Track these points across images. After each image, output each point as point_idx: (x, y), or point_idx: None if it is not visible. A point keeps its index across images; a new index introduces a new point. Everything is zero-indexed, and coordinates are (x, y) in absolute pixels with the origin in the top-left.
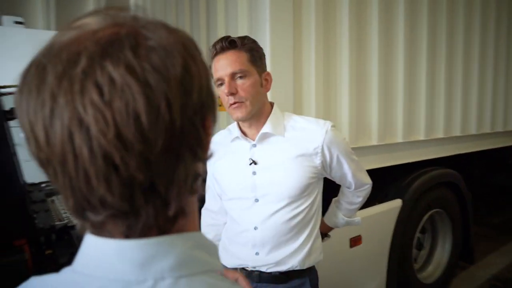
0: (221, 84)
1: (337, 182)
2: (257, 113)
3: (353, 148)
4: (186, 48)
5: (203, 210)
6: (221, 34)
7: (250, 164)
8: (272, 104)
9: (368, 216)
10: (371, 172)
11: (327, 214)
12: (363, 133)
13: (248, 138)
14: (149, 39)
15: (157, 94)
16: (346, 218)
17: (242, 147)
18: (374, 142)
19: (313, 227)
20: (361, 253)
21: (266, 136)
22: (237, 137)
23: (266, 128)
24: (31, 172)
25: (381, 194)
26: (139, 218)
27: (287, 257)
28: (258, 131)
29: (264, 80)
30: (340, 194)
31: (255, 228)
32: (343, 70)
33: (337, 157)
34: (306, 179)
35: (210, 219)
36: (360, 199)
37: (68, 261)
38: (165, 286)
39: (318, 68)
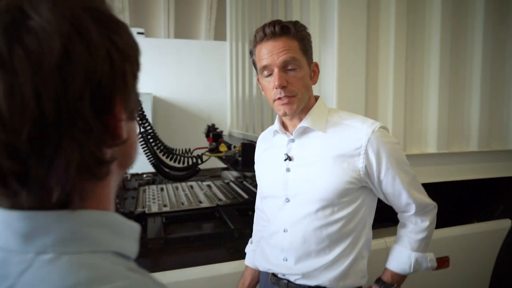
0: (268, 75)
1: (390, 203)
2: (304, 107)
3: (446, 155)
4: (76, 27)
5: (256, 209)
6: None
7: (285, 160)
8: (316, 98)
9: (462, 235)
10: (469, 184)
11: (389, 258)
12: (460, 138)
13: (287, 132)
14: (30, 18)
15: (22, 82)
16: (414, 254)
17: (280, 142)
18: (472, 148)
19: (352, 243)
20: (447, 278)
21: (305, 131)
22: (276, 131)
23: (306, 122)
24: (137, 163)
25: (484, 210)
26: (20, 199)
27: (317, 270)
28: (299, 124)
29: (312, 71)
30: (398, 228)
31: (285, 231)
32: (431, 69)
33: (386, 165)
34: (343, 183)
35: (259, 219)
36: (426, 223)
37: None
38: (44, 260)
39: (398, 66)
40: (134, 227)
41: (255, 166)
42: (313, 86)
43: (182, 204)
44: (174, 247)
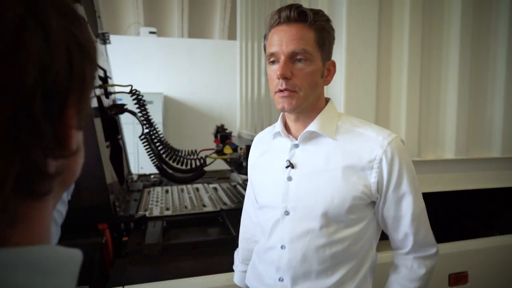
0: (274, 62)
1: (388, 232)
2: (308, 108)
3: (465, 161)
4: (32, 10)
5: (243, 214)
6: None
7: (287, 167)
8: (327, 100)
9: (481, 248)
10: (491, 192)
11: None
12: (481, 142)
13: (290, 136)
14: None
15: None
16: None
17: (282, 146)
18: (495, 153)
19: (357, 266)
20: None
21: (312, 136)
22: (278, 133)
23: (314, 126)
24: (146, 164)
25: (507, 222)
26: None
27: None
28: (304, 128)
29: (326, 70)
30: (390, 272)
31: (282, 247)
32: (449, 69)
33: (397, 182)
34: (351, 198)
35: (249, 226)
36: (423, 270)
37: (134, 250)
38: None
39: (413, 64)
40: (73, 259)
41: (249, 170)
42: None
43: (185, 207)
44: (172, 254)
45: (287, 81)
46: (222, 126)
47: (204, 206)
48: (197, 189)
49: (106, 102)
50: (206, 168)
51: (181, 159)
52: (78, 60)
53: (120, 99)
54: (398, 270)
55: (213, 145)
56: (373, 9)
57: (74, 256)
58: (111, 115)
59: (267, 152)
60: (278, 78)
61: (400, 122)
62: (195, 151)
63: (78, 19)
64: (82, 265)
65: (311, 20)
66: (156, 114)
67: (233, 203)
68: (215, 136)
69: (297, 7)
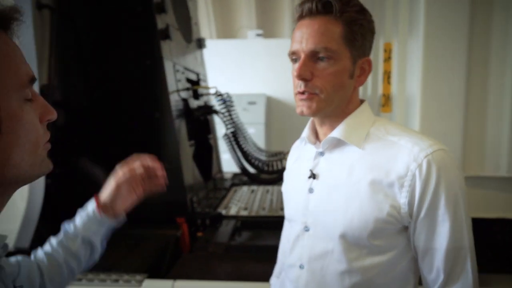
0: (296, 61)
1: (418, 262)
2: (337, 113)
3: None
4: None
5: (284, 224)
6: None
7: (309, 177)
8: (360, 103)
9: None
10: None
11: None
12: None
13: (317, 142)
14: None
15: None
16: None
17: (309, 153)
18: None
19: None
20: None
21: (338, 143)
22: (306, 138)
23: (338, 132)
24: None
25: None
26: None
27: None
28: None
29: (359, 69)
30: None
31: (301, 267)
32: None
33: (431, 205)
34: (374, 220)
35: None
36: None
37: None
38: None
39: None
40: None
41: (285, 175)
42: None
43: (263, 209)
44: (235, 255)
45: (306, 83)
46: None
47: (281, 209)
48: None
49: (196, 103)
50: None
51: (265, 161)
52: None
53: (229, 100)
54: None
55: None
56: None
57: None
58: (198, 116)
59: (298, 159)
60: (298, 79)
61: (501, 128)
62: (282, 152)
63: None
64: (154, 253)
65: (337, 11)
66: (258, 115)
67: None
68: None
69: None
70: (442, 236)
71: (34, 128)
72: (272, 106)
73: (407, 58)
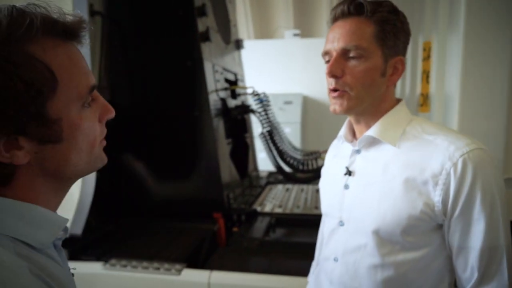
0: (328, 61)
1: (453, 261)
2: (370, 111)
3: None
4: None
5: (322, 219)
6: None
7: (345, 174)
8: (397, 102)
9: None
10: None
11: None
12: None
13: (354, 141)
14: None
15: None
16: None
17: (345, 151)
18: None
19: None
20: None
21: (374, 141)
22: (343, 137)
23: (373, 131)
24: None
25: None
26: None
27: None
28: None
29: (391, 67)
30: None
31: (335, 260)
32: None
33: (465, 204)
34: (407, 217)
35: (322, 236)
36: None
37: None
38: None
39: None
40: (55, 221)
41: (323, 170)
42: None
43: (298, 207)
44: (269, 250)
45: (337, 80)
46: None
47: (316, 208)
48: (317, 191)
49: (234, 103)
50: None
51: (301, 160)
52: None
53: (264, 100)
54: None
55: None
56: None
57: (57, 219)
58: (235, 115)
59: (335, 157)
60: (329, 77)
61: None
62: (317, 151)
63: None
64: (192, 245)
65: (368, 12)
66: (295, 114)
67: None
68: None
69: (353, 0)
70: (477, 235)
71: (91, 131)
72: (308, 106)
73: (447, 56)
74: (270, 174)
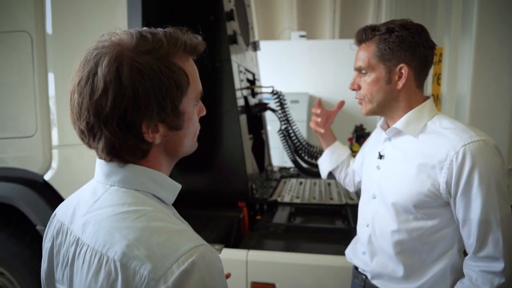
0: None
1: (460, 231)
2: (390, 109)
3: None
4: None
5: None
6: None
7: (378, 157)
8: (424, 100)
9: None
10: None
11: None
12: None
13: (386, 131)
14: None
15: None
16: None
17: (381, 138)
18: None
19: (429, 261)
20: None
21: (400, 132)
22: (381, 126)
23: (398, 123)
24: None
25: None
26: (97, 149)
27: (389, 277)
28: (393, 125)
29: (395, 75)
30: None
31: (367, 225)
32: None
33: (467, 183)
34: (417, 193)
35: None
36: (487, 287)
37: (260, 228)
38: (113, 189)
39: None
40: (175, 186)
41: (364, 147)
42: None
43: (314, 198)
44: (293, 234)
45: (357, 92)
46: (361, 125)
47: (331, 199)
48: (329, 184)
49: (253, 101)
50: None
51: (314, 154)
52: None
53: (270, 98)
54: (463, 280)
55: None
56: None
57: (176, 184)
58: (255, 112)
59: (374, 139)
60: (351, 90)
61: None
62: None
63: None
64: (223, 230)
65: (367, 37)
66: (301, 113)
67: (359, 198)
68: (352, 135)
69: (360, 30)
70: (475, 210)
71: (196, 123)
72: (314, 105)
73: (458, 60)
74: (281, 169)
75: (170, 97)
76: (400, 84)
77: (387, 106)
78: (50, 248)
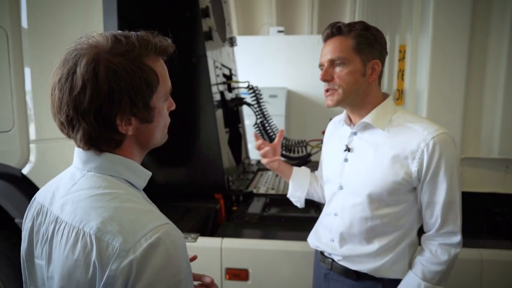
0: (322, 69)
1: (423, 212)
2: (358, 102)
3: None
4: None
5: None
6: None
7: (345, 150)
8: (386, 96)
9: None
10: None
11: (401, 283)
12: None
13: (351, 125)
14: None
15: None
16: (424, 284)
17: (344, 133)
18: None
19: (395, 241)
20: None
21: (367, 126)
22: (343, 121)
23: (368, 117)
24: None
25: None
26: (83, 147)
27: (357, 257)
28: (360, 120)
29: (369, 69)
30: (417, 254)
31: (335, 215)
32: None
33: (434, 172)
34: (392, 182)
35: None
36: (445, 257)
37: (238, 217)
38: (89, 174)
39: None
40: (145, 173)
41: (323, 145)
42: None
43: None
44: (267, 223)
45: (328, 83)
46: None
47: None
48: None
49: (229, 96)
50: (314, 158)
51: (290, 147)
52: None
53: (247, 93)
54: (423, 253)
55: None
56: (466, 1)
57: (146, 172)
58: (231, 106)
59: (333, 135)
60: (322, 81)
61: (494, 118)
62: (304, 141)
63: None
64: (200, 220)
65: (346, 31)
66: (279, 107)
67: None
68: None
69: (335, 25)
70: (441, 193)
71: (166, 117)
72: (292, 99)
73: (418, 57)
74: (259, 162)
75: (142, 94)
76: (372, 78)
77: (357, 99)
78: (31, 228)
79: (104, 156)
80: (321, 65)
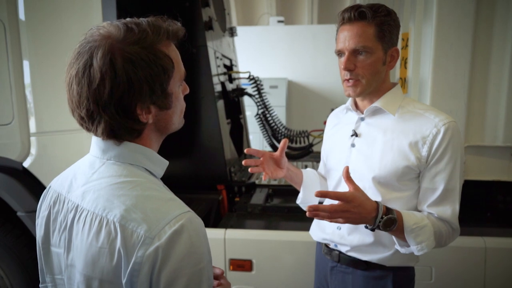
0: (341, 55)
1: (419, 198)
2: (373, 90)
3: None
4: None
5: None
6: None
7: (352, 135)
8: (394, 84)
9: None
10: None
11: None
12: None
13: (358, 111)
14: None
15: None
16: (430, 224)
17: (350, 119)
18: None
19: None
20: None
21: (377, 111)
22: (348, 108)
23: (379, 102)
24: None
25: None
26: (102, 136)
27: (366, 246)
28: (370, 105)
29: (389, 56)
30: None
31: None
32: None
33: (439, 158)
34: (401, 168)
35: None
36: (444, 226)
37: (241, 208)
38: (109, 163)
39: None
40: (163, 161)
41: (323, 141)
42: (391, 70)
43: None
44: (270, 214)
45: (351, 72)
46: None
47: None
48: (306, 166)
49: (230, 86)
50: (316, 148)
51: (292, 137)
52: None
53: (248, 84)
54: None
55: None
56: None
57: (164, 160)
58: (233, 97)
59: (338, 125)
60: (344, 70)
61: (498, 106)
62: (306, 131)
63: None
64: (202, 211)
65: (369, 17)
66: (280, 98)
67: None
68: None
69: (357, 8)
70: (440, 181)
71: (182, 102)
72: (293, 90)
73: (421, 45)
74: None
75: (159, 81)
76: (391, 66)
77: (377, 87)
78: (47, 216)
79: (124, 145)
80: (339, 52)
